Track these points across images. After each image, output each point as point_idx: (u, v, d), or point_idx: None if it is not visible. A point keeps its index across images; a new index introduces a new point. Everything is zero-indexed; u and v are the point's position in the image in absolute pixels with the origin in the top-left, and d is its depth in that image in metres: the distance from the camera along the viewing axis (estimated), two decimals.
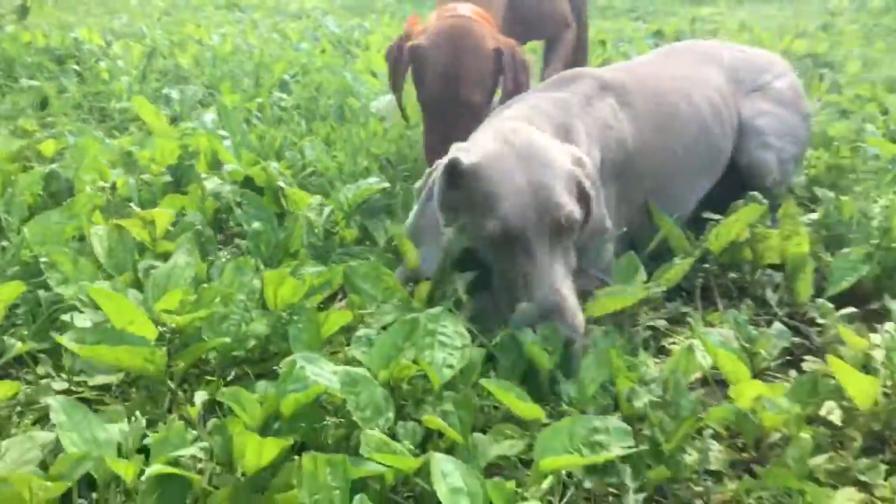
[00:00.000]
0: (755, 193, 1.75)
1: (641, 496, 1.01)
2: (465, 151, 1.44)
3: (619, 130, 1.68)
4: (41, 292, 1.44)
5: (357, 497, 0.87)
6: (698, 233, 1.76)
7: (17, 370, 1.34)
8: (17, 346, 1.30)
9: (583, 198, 1.42)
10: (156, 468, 0.91)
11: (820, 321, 1.52)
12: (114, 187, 1.99)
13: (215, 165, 2.13)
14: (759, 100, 1.95)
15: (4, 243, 1.65)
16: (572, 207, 1.35)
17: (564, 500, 1.00)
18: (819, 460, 1.09)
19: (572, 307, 1.28)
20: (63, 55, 4.11)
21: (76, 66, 3.87)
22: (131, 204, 1.75)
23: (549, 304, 1.26)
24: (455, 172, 1.42)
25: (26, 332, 1.36)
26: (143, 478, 0.93)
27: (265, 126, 2.61)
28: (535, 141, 1.41)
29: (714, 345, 1.25)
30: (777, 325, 1.46)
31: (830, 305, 1.51)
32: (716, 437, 1.16)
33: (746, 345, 1.36)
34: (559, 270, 1.31)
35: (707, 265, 1.70)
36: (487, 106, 2.03)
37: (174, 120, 2.81)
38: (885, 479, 1.07)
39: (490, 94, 2.03)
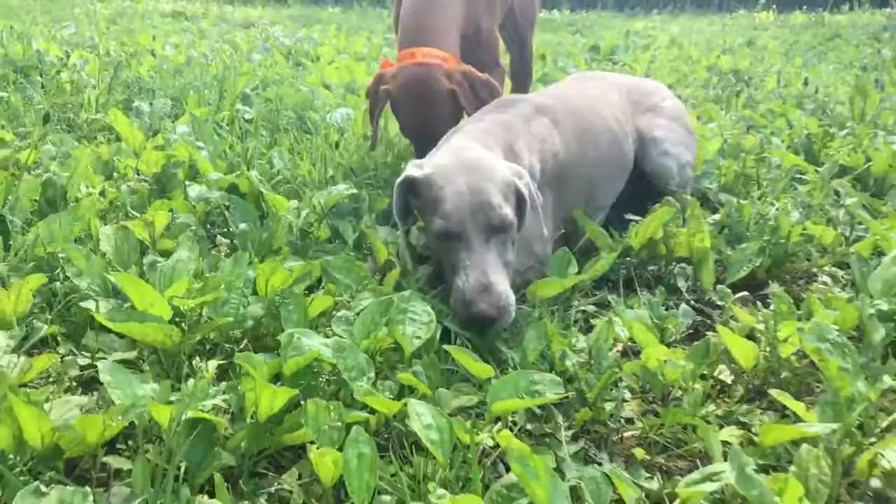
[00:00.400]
0: (669, 198, 2.06)
1: (570, 433, 1.30)
2: (419, 167, 1.73)
3: (552, 144, 1.98)
4: (56, 284, 1.67)
5: (354, 428, 1.13)
6: (622, 232, 2.07)
7: (40, 350, 1.56)
8: (44, 329, 1.52)
9: (520, 203, 1.70)
10: (190, 413, 1.16)
11: (720, 303, 1.84)
12: (103, 193, 2.22)
13: (192, 174, 2.37)
14: (652, 117, 2.31)
15: (11, 242, 1.87)
16: (506, 210, 1.63)
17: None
18: (710, 407, 1.39)
19: (499, 289, 1.55)
20: (26, 66, 4.25)
21: (39, 78, 4.04)
22: (129, 208, 1.98)
23: (478, 286, 1.54)
24: (411, 184, 1.71)
25: (48, 317, 1.58)
26: (177, 424, 1.18)
27: (233, 137, 2.84)
28: (480, 156, 1.71)
29: (630, 319, 1.55)
30: (684, 306, 1.76)
31: (728, 290, 1.82)
32: (630, 391, 1.45)
33: (657, 321, 1.65)
34: (491, 260, 1.59)
35: (629, 259, 2.01)
36: None
37: (147, 131, 3.02)
38: (760, 421, 1.37)
39: (456, 122, 2.31)
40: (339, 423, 1.18)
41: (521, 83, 3.27)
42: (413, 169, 1.74)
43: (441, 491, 1.05)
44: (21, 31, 5.88)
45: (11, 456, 1.12)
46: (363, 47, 6.82)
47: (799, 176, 2.73)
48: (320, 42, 7.23)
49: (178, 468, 1.12)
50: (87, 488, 1.01)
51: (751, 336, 1.59)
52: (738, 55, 6.86)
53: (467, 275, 1.57)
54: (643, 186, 2.30)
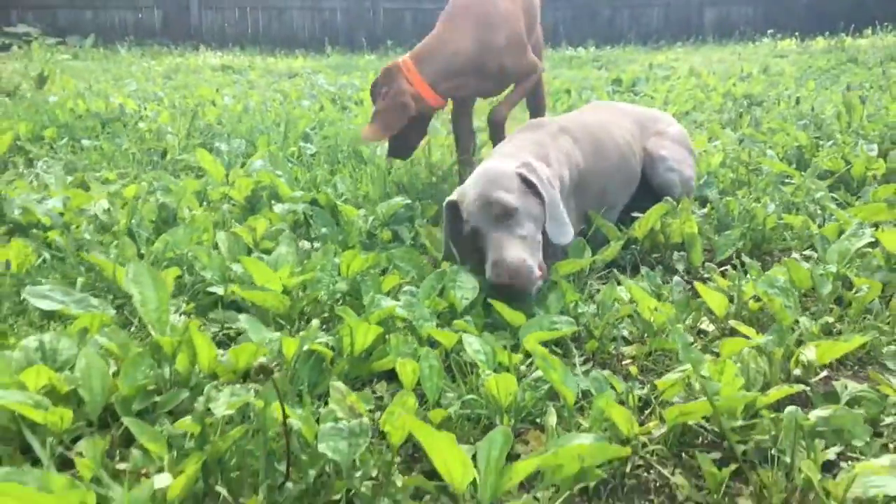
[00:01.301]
0: (666, 198, 2.52)
1: (581, 359, 1.76)
2: (456, 192, 2.23)
3: (575, 158, 2.45)
4: (186, 277, 2.18)
5: (424, 349, 1.60)
6: (629, 228, 2.53)
7: None
8: (183, 306, 2.03)
9: (530, 186, 2.15)
10: (311, 344, 1.64)
11: (707, 277, 2.29)
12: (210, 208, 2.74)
13: (274, 196, 2.89)
14: (659, 139, 2.76)
15: (142, 251, 2.38)
16: (505, 198, 2.08)
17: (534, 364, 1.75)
18: (689, 339, 1.84)
19: (509, 260, 1.97)
20: (109, 118, 4.87)
21: (123, 128, 4.64)
22: (232, 221, 2.50)
23: (494, 262, 2.00)
24: (452, 206, 2.22)
25: (185, 298, 2.09)
26: (298, 355, 1.66)
27: (301, 168, 3.37)
28: (490, 167, 2.19)
29: (630, 283, 2.01)
30: (676, 278, 2.21)
31: (714, 266, 2.28)
32: (629, 333, 1.91)
33: (653, 288, 2.11)
34: (503, 240, 2.03)
35: (634, 247, 2.46)
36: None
37: (227, 167, 3.56)
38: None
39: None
40: (414, 348, 1.66)
41: (538, 109, 3.68)
42: (453, 194, 2.23)
43: (488, 371, 1.52)
44: (97, 89, 6.54)
45: (187, 374, 1.61)
46: None
47: (788, 181, 3.16)
48: (361, 87, 7.82)
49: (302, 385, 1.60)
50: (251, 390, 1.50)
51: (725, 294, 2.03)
52: (753, 81, 7.29)
53: (489, 256, 2.04)
54: (652, 199, 2.76)
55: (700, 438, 1.50)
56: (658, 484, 1.38)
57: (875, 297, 1.92)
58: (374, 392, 1.66)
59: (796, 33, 12.94)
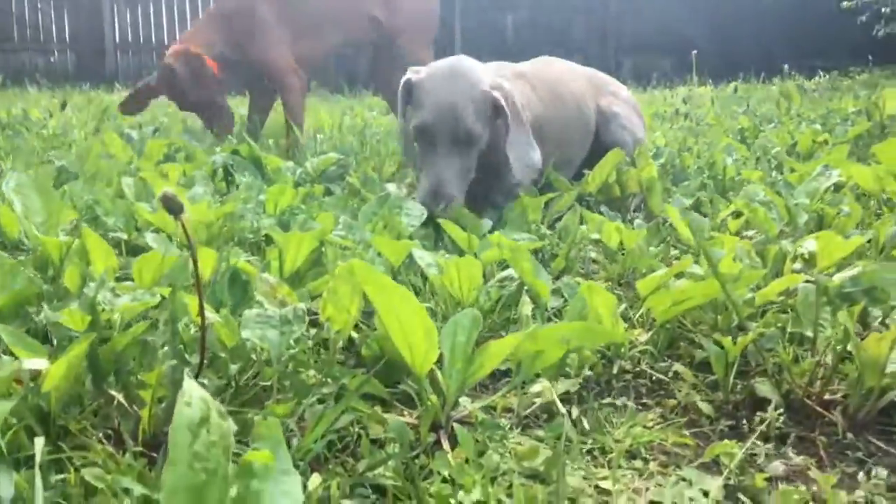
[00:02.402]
0: (617, 148, 2.35)
1: (550, 279, 1.53)
2: (417, 72, 2.02)
3: (532, 103, 2.25)
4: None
5: (367, 256, 1.35)
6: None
7: None
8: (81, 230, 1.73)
9: (499, 114, 1.97)
10: (233, 261, 1.38)
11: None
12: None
13: (189, 159, 2.62)
14: (612, 98, 2.61)
15: None
16: (473, 126, 1.90)
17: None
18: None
19: (445, 192, 1.86)
20: (9, 122, 4.50)
21: (27, 131, 4.28)
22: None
23: (430, 191, 1.86)
24: (408, 87, 2.02)
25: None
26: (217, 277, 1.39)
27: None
28: (469, 67, 1.99)
29: (590, 214, 1.81)
30: (637, 220, 2.03)
31: (674, 208, 2.09)
32: (596, 261, 1.70)
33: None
34: (448, 167, 1.89)
35: (588, 200, 2.28)
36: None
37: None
38: None
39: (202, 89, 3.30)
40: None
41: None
42: (412, 73, 2.03)
43: (446, 255, 1.28)
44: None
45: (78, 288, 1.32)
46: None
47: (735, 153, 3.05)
48: None
49: None
50: None
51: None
52: (679, 105, 7.36)
53: (426, 177, 1.87)
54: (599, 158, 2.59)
55: (694, 339, 1.29)
56: (652, 383, 1.16)
57: (857, 221, 1.76)
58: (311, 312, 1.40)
59: (709, 80, 13.35)
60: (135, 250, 1.72)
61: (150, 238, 1.46)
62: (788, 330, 1.15)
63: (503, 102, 1.96)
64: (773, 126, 3.54)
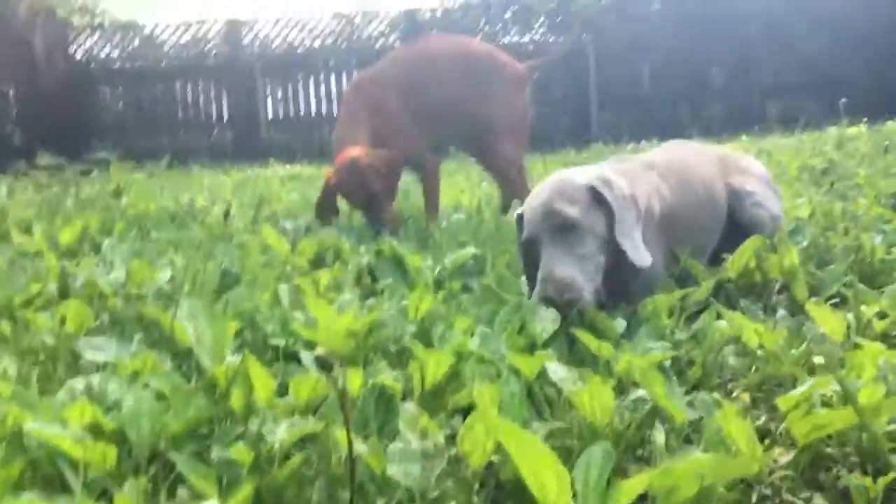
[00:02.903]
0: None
1: (683, 389, 1.54)
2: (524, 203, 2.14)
3: (662, 192, 2.28)
4: (247, 333, 2.06)
5: (504, 373, 1.41)
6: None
7: None
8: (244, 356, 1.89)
9: (601, 202, 2.01)
10: (378, 378, 1.47)
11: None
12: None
13: (338, 257, 2.79)
14: (743, 176, 2.57)
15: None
16: (567, 210, 1.95)
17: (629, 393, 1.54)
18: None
19: (559, 275, 1.88)
20: (178, 213, 4.92)
21: (193, 220, 4.67)
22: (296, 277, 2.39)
23: (544, 276, 1.91)
24: (519, 220, 2.14)
25: (248, 350, 1.95)
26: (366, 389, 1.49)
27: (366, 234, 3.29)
28: (561, 175, 2.08)
29: (731, 313, 1.79)
30: (780, 311, 1.99)
31: (822, 300, 2.04)
32: (734, 368, 1.68)
33: (756, 321, 1.88)
34: (558, 254, 1.92)
35: (728, 285, 2.24)
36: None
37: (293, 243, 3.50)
38: None
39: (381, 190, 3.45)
40: (493, 377, 1.48)
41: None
42: (522, 206, 2.14)
43: (579, 383, 1.32)
44: (169, 193, 6.70)
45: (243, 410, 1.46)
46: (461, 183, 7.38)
47: (887, 224, 2.92)
48: None
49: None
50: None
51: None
52: (828, 155, 7.05)
53: (541, 270, 1.92)
54: (740, 240, 2.54)
55: (835, 469, 1.27)
56: None
57: None
58: (450, 427, 1.47)
59: (864, 119, 12.66)
60: (292, 356, 1.87)
61: (304, 357, 1.58)
62: None
63: (601, 188, 2.01)
64: None
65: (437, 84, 3.74)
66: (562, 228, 1.96)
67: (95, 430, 1.34)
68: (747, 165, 2.66)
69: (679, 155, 2.55)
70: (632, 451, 1.32)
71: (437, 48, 3.93)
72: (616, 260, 2.06)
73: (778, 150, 8.26)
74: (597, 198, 2.02)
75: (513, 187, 3.82)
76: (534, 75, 3.91)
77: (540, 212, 1.99)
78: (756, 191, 2.52)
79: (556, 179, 2.07)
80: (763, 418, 1.42)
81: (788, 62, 14.01)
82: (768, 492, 1.19)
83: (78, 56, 12.90)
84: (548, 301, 1.86)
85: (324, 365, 0.95)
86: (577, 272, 1.91)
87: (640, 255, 2.01)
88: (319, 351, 0.97)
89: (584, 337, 1.65)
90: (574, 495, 1.04)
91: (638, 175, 2.25)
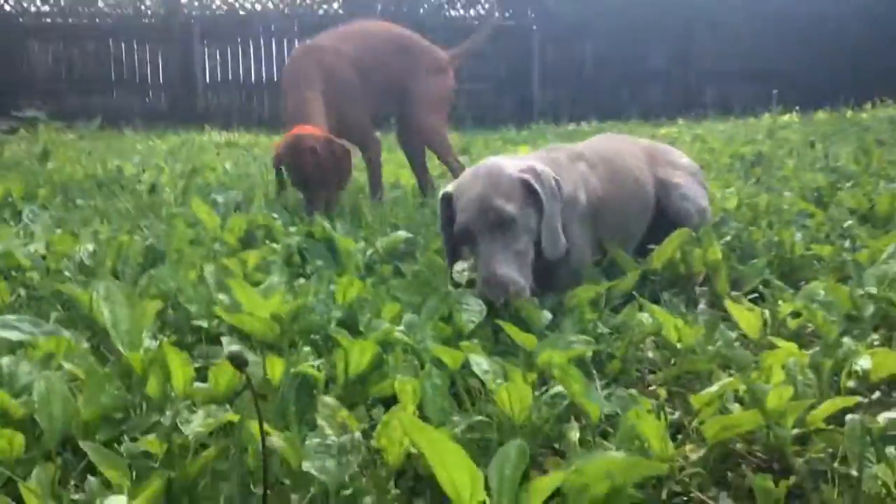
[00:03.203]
0: (684, 228, 2.36)
1: (603, 382, 1.57)
2: (451, 185, 2.14)
3: (591, 184, 2.30)
4: (169, 311, 2.01)
5: (426, 365, 1.42)
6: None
7: None
8: (165, 339, 1.85)
9: (532, 194, 2.03)
10: (300, 366, 1.46)
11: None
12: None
13: (269, 237, 2.74)
14: (671, 168, 2.62)
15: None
16: (506, 207, 1.96)
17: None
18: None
19: (500, 277, 1.90)
20: (107, 181, 4.77)
21: (121, 188, 4.54)
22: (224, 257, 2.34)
23: (485, 278, 1.92)
24: (445, 199, 2.13)
25: (168, 333, 1.91)
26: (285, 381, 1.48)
27: (300, 214, 3.24)
28: (492, 164, 2.08)
29: (652, 306, 1.83)
30: (701, 306, 2.03)
31: (741, 295, 2.10)
32: (653, 361, 1.72)
33: (677, 314, 1.92)
34: (496, 252, 1.94)
35: (653, 279, 2.29)
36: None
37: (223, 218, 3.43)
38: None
39: (325, 175, 3.33)
40: (416, 368, 1.48)
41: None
42: (448, 186, 2.15)
43: (499, 381, 1.33)
44: (97, 157, 6.50)
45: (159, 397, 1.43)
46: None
47: (809, 218, 3.00)
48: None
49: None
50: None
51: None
52: (759, 143, 7.22)
53: (479, 268, 1.95)
54: (666, 231, 2.59)
55: (744, 465, 1.31)
56: None
57: None
58: (370, 417, 1.47)
59: (797, 108, 12.99)
60: (216, 338, 1.84)
61: (225, 343, 1.56)
62: (835, 465, 1.16)
63: (534, 182, 2.03)
64: (851, 185, 3.46)
65: (378, 60, 3.86)
66: (500, 225, 1.97)
67: (3, 416, 1.30)
68: (674, 158, 2.71)
69: (609, 146, 2.58)
70: (549, 445, 1.34)
71: (374, 28, 4.12)
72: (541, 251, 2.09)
73: (712, 137, 8.43)
74: (530, 191, 2.03)
75: (439, 152, 4.07)
76: (455, 63, 4.21)
77: (477, 206, 1.99)
78: (683, 183, 2.57)
79: (489, 170, 2.07)
80: (678, 413, 1.45)
81: (727, 49, 14.25)
82: (678, 489, 1.22)
83: (7, 8, 12.34)
84: (492, 301, 1.88)
85: (236, 362, 0.94)
86: (517, 270, 1.94)
87: (557, 246, 2.04)
88: (232, 348, 0.96)
89: (509, 328, 1.66)
90: (488, 493, 1.05)
91: (564, 165, 2.27)
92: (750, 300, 2.09)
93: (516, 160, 2.15)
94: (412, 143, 4.13)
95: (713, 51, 14.34)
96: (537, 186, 2.02)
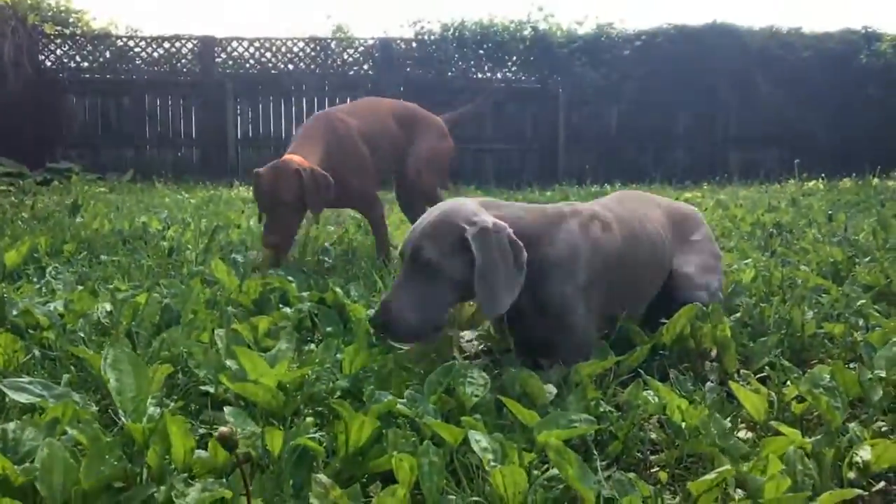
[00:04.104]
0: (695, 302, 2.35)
1: (604, 463, 1.56)
2: None
3: (606, 248, 2.25)
4: (179, 376, 2.04)
5: (425, 442, 1.42)
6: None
7: None
8: (172, 404, 1.87)
9: (466, 247, 1.96)
10: (300, 439, 1.47)
11: (741, 384, 2.09)
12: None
13: (283, 300, 2.77)
14: (687, 251, 2.60)
15: (139, 352, 2.25)
16: (424, 247, 1.96)
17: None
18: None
19: (391, 307, 1.94)
20: (132, 237, 4.86)
21: (144, 245, 4.62)
22: (236, 321, 2.37)
23: (381, 302, 1.98)
24: None
25: (175, 397, 1.93)
26: (285, 450, 1.49)
27: (316, 277, 3.27)
28: (454, 205, 2.06)
29: (657, 384, 1.82)
30: (709, 384, 2.02)
31: (750, 373, 2.08)
32: (655, 442, 1.71)
33: (683, 393, 1.91)
34: (403, 288, 1.97)
35: (662, 353, 2.28)
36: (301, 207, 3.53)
37: (241, 278, 3.47)
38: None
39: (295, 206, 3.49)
40: (414, 444, 1.48)
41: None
42: None
43: (493, 463, 1.33)
44: (126, 212, 6.62)
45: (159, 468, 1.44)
46: None
47: (824, 294, 2.98)
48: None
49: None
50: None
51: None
52: (782, 212, 7.19)
53: (385, 293, 2.03)
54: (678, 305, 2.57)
55: None
56: None
57: None
58: (367, 495, 1.47)
59: (822, 175, 12.92)
60: (223, 403, 1.86)
61: (227, 412, 1.57)
62: None
63: (468, 235, 1.95)
64: (868, 260, 3.44)
65: (385, 130, 4.12)
66: (416, 261, 1.98)
67: (4, 484, 1.32)
68: (690, 234, 2.67)
69: (625, 205, 2.53)
70: None
71: (380, 102, 4.41)
72: (535, 311, 2.11)
73: (734, 203, 8.41)
74: (463, 241, 1.98)
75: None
76: (452, 124, 4.57)
77: (408, 236, 2.05)
78: (695, 273, 2.54)
79: (445, 208, 2.06)
80: (677, 499, 1.44)
81: (753, 115, 14.31)
82: None
83: (48, 63, 12.75)
84: (372, 323, 1.96)
85: (226, 445, 0.95)
86: (414, 310, 1.95)
87: (494, 305, 1.96)
88: (223, 430, 0.97)
89: (511, 404, 1.66)
90: None
91: (567, 227, 2.20)
92: (759, 378, 2.08)
93: (491, 209, 2.11)
94: (411, 200, 4.35)
95: (738, 116, 14.41)
96: (470, 240, 1.95)
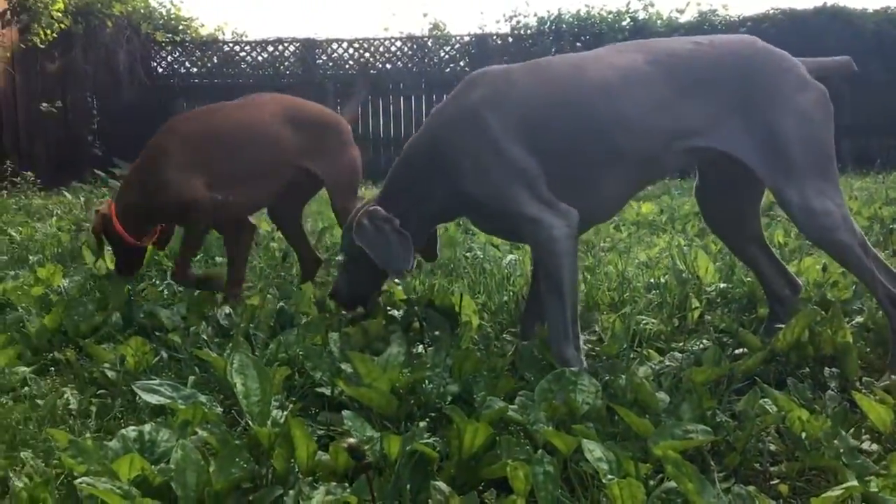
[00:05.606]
0: (811, 307, 2.27)
1: (721, 475, 1.53)
2: None
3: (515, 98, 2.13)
4: (297, 377, 2.12)
5: (538, 451, 1.43)
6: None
7: None
8: (290, 406, 1.95)
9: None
10: (416, 444, 1.51)
11: (864, 392, 2.01)
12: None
13: (390, 303, 2.84)
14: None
15: (256, 353, 2.35)
16: (343, 243, 2.53)
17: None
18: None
19: (335, 286, 2.54)
20: None
21: (256, 246, 4.79)
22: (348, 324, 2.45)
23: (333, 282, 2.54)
24: None
25: (293, 399, 2.01)
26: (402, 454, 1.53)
27: (419, 277, 3.33)
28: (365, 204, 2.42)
29: (775, 393, 1.77)
30: (830, 392, 1.95)
31: (873, 381, 2.00)
32: (775, 454, 1.66)
33: (803, 401, 1.85)
34: (340, 273, 2.55)
35: (779, 359, 2.21)
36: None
37: None
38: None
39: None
40: (528, 453, 1.49)
41: None
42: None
43: (610, 476, 1.33)
44: None
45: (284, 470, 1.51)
46: None
47: None
48: None
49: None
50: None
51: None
52: None
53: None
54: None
55: None
56: None
57: None
58: (482, 501, 1.49)
59: None
60: (339, 406, 1.92)
61: (345, 417, 1.63)
62: None
63: (357, 231, 2.28)
64: None
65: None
66: (345, 253, 2.49)
67: (143, 484, 1.41)
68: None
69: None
70: None
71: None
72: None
73: (850, 195, 8.04)
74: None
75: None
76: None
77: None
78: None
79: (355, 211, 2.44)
80: None
81: (867, 102, 13.61)
82: None
83: (160, 70, 13.35)
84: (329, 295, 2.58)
85: (355, 455, 0.99)
86: (345, 285, 2.48)
87: (393, 266, 2.24)
88: (350, 441, 1.02)
89: (624, 413, 1.66)
90: None
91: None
92: (883, 388, 2.00)
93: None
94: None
95: (851, 103, 13.74)
96: (357, 237, 2.27)
